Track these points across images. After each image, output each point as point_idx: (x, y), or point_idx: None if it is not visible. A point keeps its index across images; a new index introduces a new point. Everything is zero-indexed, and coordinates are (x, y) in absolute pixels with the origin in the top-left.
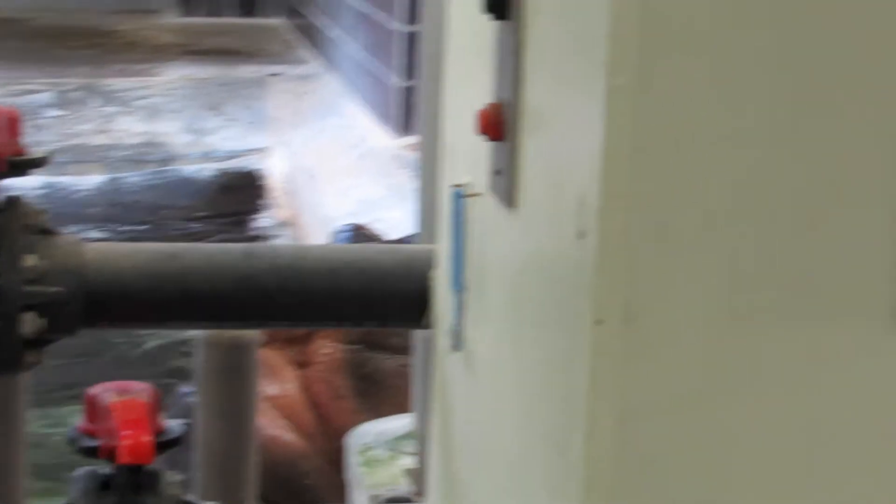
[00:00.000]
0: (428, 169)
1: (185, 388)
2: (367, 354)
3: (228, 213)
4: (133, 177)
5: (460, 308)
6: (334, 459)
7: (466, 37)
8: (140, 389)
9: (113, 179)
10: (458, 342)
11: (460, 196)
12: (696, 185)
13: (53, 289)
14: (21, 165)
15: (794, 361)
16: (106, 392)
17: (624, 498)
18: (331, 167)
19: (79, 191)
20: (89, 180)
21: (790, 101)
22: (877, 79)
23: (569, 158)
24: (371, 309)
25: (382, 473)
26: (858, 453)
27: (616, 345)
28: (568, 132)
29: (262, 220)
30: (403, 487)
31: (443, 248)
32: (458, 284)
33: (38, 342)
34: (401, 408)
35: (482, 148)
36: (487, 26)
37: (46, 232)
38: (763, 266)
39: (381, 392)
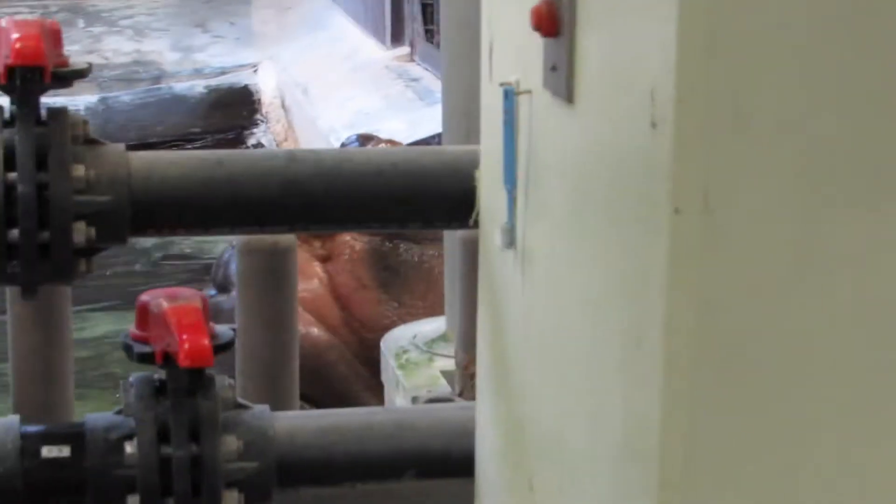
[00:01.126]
0: (452, 72)
1: (210, 292)
2: (390, 245)
3: (223, 129)
4: (125, 96)
5: (513, 206)
6: (359, 350)
7: None
8: (190, 295)
9: (104, 99)
10: (511, 239)
11: (511, 93)
12: (773, 74)
13: (102, 198)
14: (66, 76)
15: (870, 249)
16: (157, 298)
17: (704, 387)
18: (324, 80)
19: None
20: (81, 100)
21: None
22: None
23: (636, 51)
24: (416, 210)
25: (420, 375)
26: None
27: (695, 234)
28: (634, 25)
29: (258, 135)
30: (443, 388)
31: (488, 147)
32: (512, 182)
33: (88, 251)
34: (422, 297)
35: (532, 45)
36: None
37: (92, 142)
38: (839, 154)
39: (404, 282)
